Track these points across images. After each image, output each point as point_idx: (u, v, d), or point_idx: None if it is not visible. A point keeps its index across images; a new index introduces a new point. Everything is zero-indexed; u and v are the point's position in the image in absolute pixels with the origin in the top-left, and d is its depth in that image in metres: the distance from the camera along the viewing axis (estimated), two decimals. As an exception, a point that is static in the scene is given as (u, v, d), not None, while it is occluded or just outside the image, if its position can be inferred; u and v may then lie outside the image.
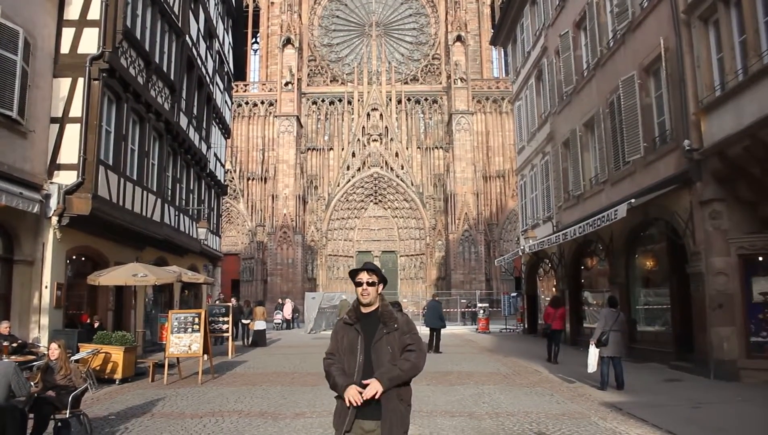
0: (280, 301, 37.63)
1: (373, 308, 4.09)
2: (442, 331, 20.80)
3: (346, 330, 4.10)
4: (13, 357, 9.24)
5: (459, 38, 51.07)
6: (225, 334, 19.38)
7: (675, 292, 14.86)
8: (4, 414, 5.84)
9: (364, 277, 4.07)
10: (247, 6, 56.21)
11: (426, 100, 53.70)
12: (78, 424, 7.58)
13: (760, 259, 12.53)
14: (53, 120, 13.96)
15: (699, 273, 13.06)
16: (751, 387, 11.58)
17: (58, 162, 13.85)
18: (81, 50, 14.28)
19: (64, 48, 14.28)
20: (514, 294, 34.85)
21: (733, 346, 12.41)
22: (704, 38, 12.79)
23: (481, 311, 31.76)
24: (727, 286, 12.55)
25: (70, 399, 7.15)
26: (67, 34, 14.36)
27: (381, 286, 4.13)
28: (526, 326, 28.97)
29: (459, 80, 50.61)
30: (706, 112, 12.55)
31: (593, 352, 11.73)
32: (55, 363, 7.49)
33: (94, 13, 14.51)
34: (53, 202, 13.43)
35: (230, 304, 22.37)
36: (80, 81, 14.12)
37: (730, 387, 11.68)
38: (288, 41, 51.04)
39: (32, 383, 7.16)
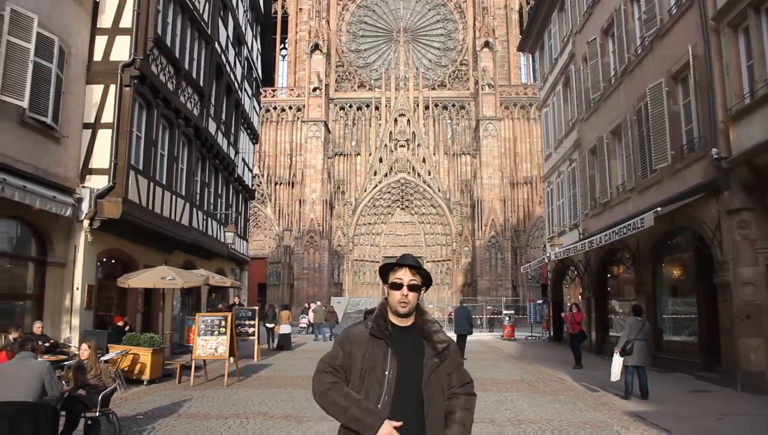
0: (306, 305, 37.86)
1: (411, 321, 2.99)
2: (468, 337, 20.79)
3: (370, 344, 2.90)
4: (45, 356, 9.48)
5: (487, 44, 51.02)
6: (251, 337, 19.58)
7: (702, 301, 14.71)
8: (38, 411, 6.02)
9: (405, 275, 2.95)
10: (276, 12, 56.78)
11: (453, 106, 53.71)
12: (107, 423, 7.76)
13: (790, 269, 12.36)
14: (86, 125, 14.29)
15: (726, 283, 12.92)
16: (779, 399, 11.43)
17: (90, 166, 14.18)
18: (113, 57, 14.61)
19: (97, 55, 14.62)
20: (540, 301, 34.71)
21: (761, 357, 12.24)
22: (733, 45, 12.67)
23: (507, 318, 31.65)
24: (756, 296, 12.39)
25: (100, 398, 7.34)
26: (100, 41, 14.70)
27: (423, 292, 3.05)
28: (551, 334, 28.78)
29: (486, 86, 50.55)
30: (734, 120, 12.43)
31: (617, 361, 11.68)
32: (86, 363, 7.70)
33: (127, 21, 14.84)
34: (85, 206, 13.74)
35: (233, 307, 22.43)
36: (112, 87, 14.44)
37: (756, 400, 11.52)
38: (316, 47, 51.46)
39: (64, 382, 7.37)
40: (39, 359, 6.62)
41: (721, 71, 12.95)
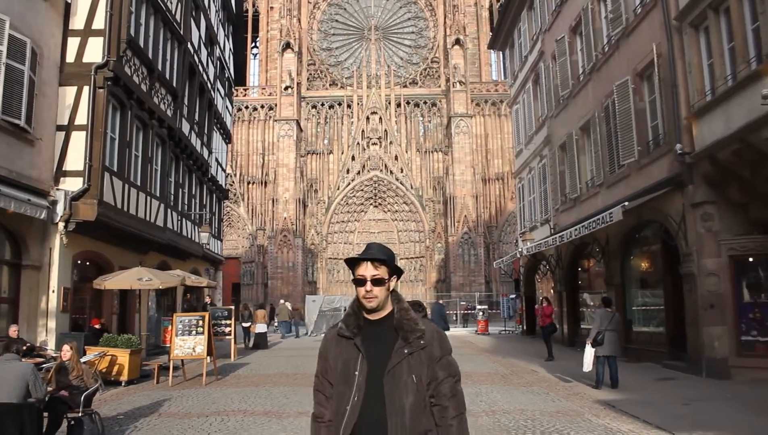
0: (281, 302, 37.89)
1: (384, 313, 2.81)
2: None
3: (342, 347, 2.78)
4: (23, 360, 9.52)
5: (458, 42, 51.38)
6: (228, 337, 19.67)
7: (669, 292, 15.15)
8: (22, 413, 6.13)
9: (367, 270, 2.76)
10: (247, 11, 56.55)
11: (425, 103, 54.02)
12: (90, 423, 7.87)
13: (750, 260, 12.85)
14: (59, 127, 14.31)
15: (691, 274, 13.36)
16: (742, 384, 11.87)
17: (64, 169, 14.19)
18: (86, 59, 14.63)
19: (70, 57, 14.63)
20: (513, 296, 35.13)
21: (724, 345, 12.71)
22: (695, 44, 13.10)
23: (480, 313, 32.05)
24: (719, 286, 12.85)
25: (82, 398, 7.45)
26: (73, 43, 14.71)
27: (394, 281, 2.86)
28: (524, 328, 29.23)
29: (458, 83, 50.92)
30: (697, 116, 12.86)
31: (589, 352, 12.03)
32: (68, 364, 7.80)
33: (99, 22, 14.86)
34: (60, 208, 13.75)
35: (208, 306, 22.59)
36: (85, 89, 14.45)
37: (721, 385, 11.96)
38: (287, 45, 51.40)
39: (46, 384, 7.46)
40: (23, 362, 6.72)
41: (684, 69, 13.38)
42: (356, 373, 2.68)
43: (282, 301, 34.65)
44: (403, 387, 2.64)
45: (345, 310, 3.05)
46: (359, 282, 2.77)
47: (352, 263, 2.84)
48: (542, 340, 18.38)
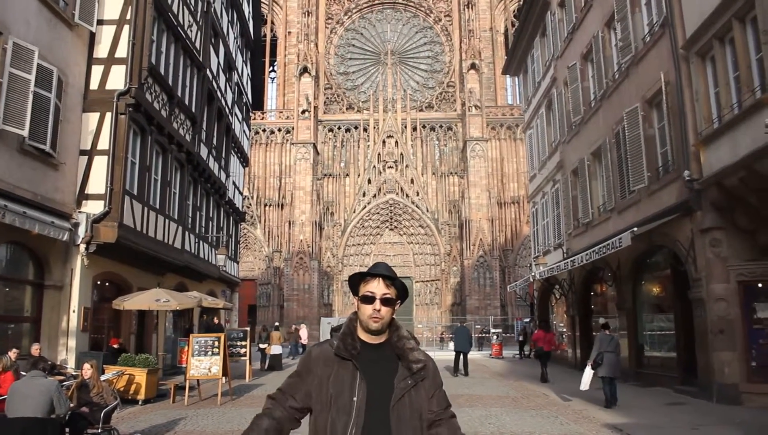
0: (294, 326, 38.12)
1: (382, 338, 2.66)
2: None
3: (334, 368, 2.57)
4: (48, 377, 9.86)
5: (473, 66, 51.88)
6: (243, 358, 19.93)
7: (679, 317, 15.24)
8: (46, 428, 6.44)
9: (378, 288, 2.61)
10: (265, 35, 57.51)
11: (441, 127, 54.41)
12: (109, 439, 8.17)
13: (760, 285, 12.96)
14: (82, 152, 14.77)
15: (700, 299, 13.48)
16: (752, 410, 11.91)
17: (86, 192, 14.63)
18: (109, 86, 15.13)
19: (94, 84, 15.14)
20: (527, 320, 35.13)
21: (734, 370, 12.78)
22: (702, 73, 13.35)
23: (495, 337, 32.11)
24: (728, 311, 12.95)
25: (102, 415, 7.74)
26: (96, 71, 15.23)
27: (398, 305, 2.69)
28: (525, 353, 29.58)
29: (473, 107, 51.31)
30: (704, 143, 13.06)
31: (588, 373, 12.82)
32: (89, 381, 8.11)
33: (122, 51, 15.37)
34: (81, 231, 14.17)
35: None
36: (108, 115, 14.93)
37: (731, 410, 12.02)
38: (305, 70, 52.14)
39: (68, 400, 7.77)
40: (48, 378, 7.04)
41: (691, 97, 13.61)
42: (354, 398, 2.48)
43: (294, 325, 35.12)
44: (408, 421, 2.50)
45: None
46: (367, 299, 2.60)
47: (358, 279, 2.69)
48: (554, 365, 18.53)
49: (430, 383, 2.65)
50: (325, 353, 2.62)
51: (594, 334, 21.10)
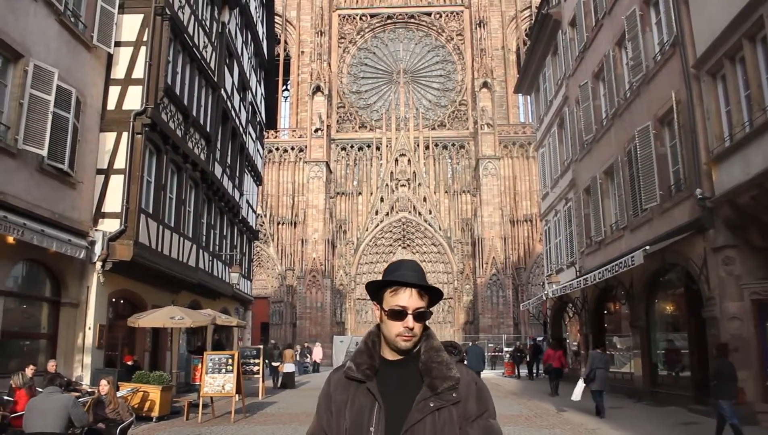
0: (306, 344, 38.18)
1: (407, 354, 2.19)
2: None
3: (351, 393, 2.17)
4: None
5: (485, 84, 52.09)
6: (256, 376, 19.99)
7: (693, 336, 15.19)
8: (63, 441, 6.55)
9: (411, 300, 2.15)
10: (278, 55, 58.08)
11: (453, 145, 54.57)
12: (124, 454, 8.26)
13: (774, 304, 12.89)
14: (99, 171, 15.04)
15: (714, 317, 13.43)
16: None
17: (102, 210, 14.87)
18: (126, 106, 15.43)
19: (111, 105, 15.45)
20: (540, 338, 34.96)
21: (749, 389, 12.63)
22: (713, 92, 13.40)
23: (508, 355, 31.95)
24: (742, 330, 12.90)
25: (118, 431, 7.85)
26: (114, 91, 15.54)
27: (430, 316, 2.23)
28: (535, 372, 29.42)
29: (486, 126, 51.45)
30: (716, 162, 13.09)
31: (580, 386, 14.34)
32: (105, 397, 8.23)
33: (139, 72, 15.67)
34: (98, 249, 14.38)
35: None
36: (124, 135, 15.21)
37: (746, 431, 11.92)
38: (318, 89, 52.55)
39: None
40: (65, 394, 7.16)
41: (702, 116, 13.66)
42: (371, 428, 2.06)
43: (306, 343, 35.58)
44: None
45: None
46: (396, 315, 2.14)
47: (382, 287, 2.22)
48: (569, 384, 18.45)
49: (466, 408, 2.10)
50: (340, 378, 2.22)
51: (609, 351, 21.14)
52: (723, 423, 10.76)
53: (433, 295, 2.22)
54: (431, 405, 2.05)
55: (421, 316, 2.15)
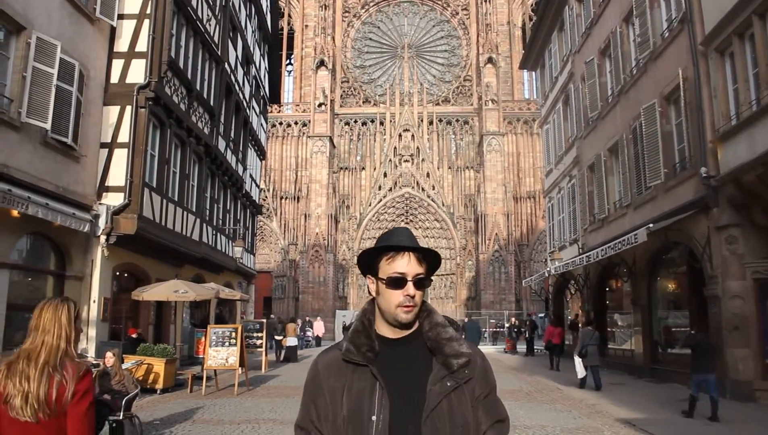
0: (307, 318, 38.39)
1: (410, 330, 2.01)
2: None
3: (348, 378, 1.94)
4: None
5: (490, 60, 51.70)
6: (259, 349, 20.14)
7: (695, 314, 15.23)
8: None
9: (410, 266, 1.98)
10: (282, 29, 57.65)
11: (457, 121, 54.36)
12: (131, 426, 8.33)
13: (776, 283, 12.92)
14: (103, 145, 15.01)
15: (716, 296, 13.47)
16: (766, 408, 11.92)
17: (106, 184, 14.88)
18: (129, 80, 15.35)
19: (114, 78, 15.37)
20: (541, 314, 35.14)
21: (748, 367, 12.78)
22: (721, 69, 13.29)
23: (508, 331, 32.12)
24: (743, 309, 12.95)
25: (123, 402, 7.93)
26: (117, 65, 15.46)
27: (428, 284, 2.06)
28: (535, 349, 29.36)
29: (490, 102, 51.17)
30: (722, 140, 13.03)
31: (578, 362, 15.22)
32: (111, 369, 8.31)
33: (142, 45, 15.57)
34: (102, 222, 14.41)
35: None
36: (128, 109, 15.15)
37: (744, 407, 12.04)
38: (321, 63, 52.22)
39: (91, 386, 7.98)
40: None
41: (709, 93, 13.57)
42: (373, 417, 1.85)
43: (308, 317, 36.20)
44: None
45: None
46: (395, 282, 1.95)
47: (375, 256, 2.03)
48: (569, 360, 18.60)
49: (477, 385, 1.96)
50: (334, 361, 2.00)
51: (611, 329, 21.25)
52: (695, 400, 11.15)
53: (430, 263, 2.04)
54: (448, 384, 1.89)
55: (420, 282, 1.97)
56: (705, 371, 11.01)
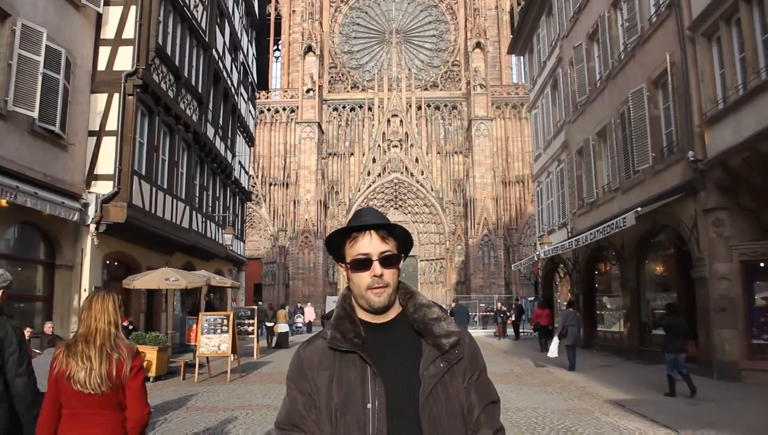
0: (298, 305, 38.51)
1: (393, 314, 1.94)
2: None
3: (336, 367, 1.85)
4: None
5: (478, 45, 51.68)
6: (250, 336, 20.21)
7: (683, 296, 15.40)
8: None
9: (372, 244, 1.89)
10: (269, 14, 57.26)
11: (446, 106, 54.36)
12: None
13: (762, 265, 13.08)
14: (91, 133, 14.89)
15: (703, 278, 13.64)
16: (752, 387, 12.13)
17: (95, 172, 14.78)
18: (116, 67, 15.21)
19: (101, 65, 15.21)
20: (531, 298, 35.39)
21: (735, 348, 12.97)
22: (708, 54, 13.38)
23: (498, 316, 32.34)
24: (730, 290, 13.12)
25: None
26: (104, 52, 15.30)
27: (402, 263, 1.97)
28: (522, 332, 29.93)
29: (478, 86, 51.19)
30: (709, 124, 13.13)
31: (555, 342, 16.13)
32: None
33: (129, 32, 15.42)
34: (91, 211, 14.34)
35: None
36: (116, 96, 15.02)
37: (731, 387, 12.23)
38: (309, 49, 51.99)
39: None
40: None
41: (696, 78, 13.66)
42: (368, 405, 1.77)
43: (299, 304, 36.94)
44: (447, 423, 1.80)
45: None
46: (360, 265, 1.88)
47: (341, 240, 1.97)
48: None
49: (467, 365, 1.90)
50: (318, 351, 1.89)
51: (599, 312, 21.44)
52: (673, 379, 11.55)
53: (400, 240, 1.95)
54: (441, 366, 1.82)
55: (388, 260, 1.87)
56: (676, 350, 11.36)
